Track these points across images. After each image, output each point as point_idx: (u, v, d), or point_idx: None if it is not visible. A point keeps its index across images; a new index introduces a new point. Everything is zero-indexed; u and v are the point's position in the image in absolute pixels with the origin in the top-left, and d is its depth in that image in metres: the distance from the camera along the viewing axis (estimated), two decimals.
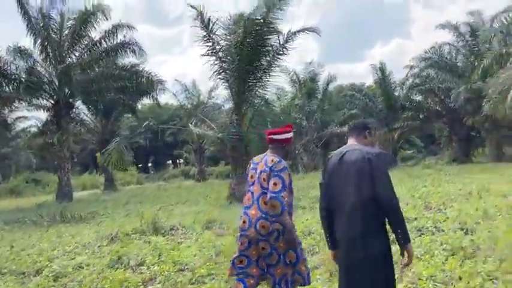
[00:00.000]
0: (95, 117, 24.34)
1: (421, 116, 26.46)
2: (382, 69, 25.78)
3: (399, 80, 26.24)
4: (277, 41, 12.71)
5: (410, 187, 11.38)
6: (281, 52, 12.90)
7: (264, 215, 3.20)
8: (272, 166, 3.23)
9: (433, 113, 25.71)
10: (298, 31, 12.90)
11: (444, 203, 8.12)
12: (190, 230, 6.90)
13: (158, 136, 35.34)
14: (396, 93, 26.22)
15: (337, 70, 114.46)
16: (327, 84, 29.76)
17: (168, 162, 52.32)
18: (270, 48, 12.74)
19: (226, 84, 12.78)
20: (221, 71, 12.53)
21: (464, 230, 5.75)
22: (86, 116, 23.77)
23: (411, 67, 25.15)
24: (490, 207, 7.08)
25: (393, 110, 25.32)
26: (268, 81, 12.81)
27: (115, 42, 18.23)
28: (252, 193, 3.33)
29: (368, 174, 2.48)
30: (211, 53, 12.42)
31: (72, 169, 30.01)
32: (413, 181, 13.46)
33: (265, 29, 11.93)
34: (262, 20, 11.79)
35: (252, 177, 3.39)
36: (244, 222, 3.29)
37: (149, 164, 52.09)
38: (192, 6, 11.68)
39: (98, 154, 24.01)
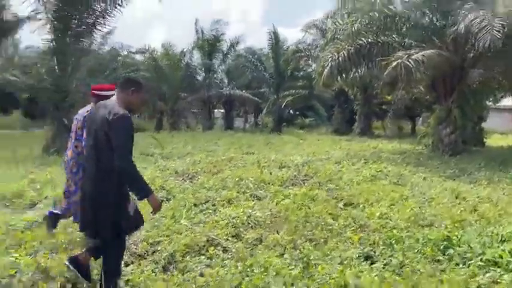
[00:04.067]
0: None
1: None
2: (275, 34, 25.52)
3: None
4: None
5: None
6: (119, 2, 11.98)
7: (74, 156, 3.79)
8: (86, 116, 3.51)
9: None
10: None
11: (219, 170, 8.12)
12: None
13: None
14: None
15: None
16: (232, 45, 29.14)
17: None
18: None
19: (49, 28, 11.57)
20: (44, 11, 11.32)
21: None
22: None
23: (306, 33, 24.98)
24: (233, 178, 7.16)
25: (282, 77, 25.41)
26: (97, 29, 11.84)
27: None
28: None
29: (107, 134, 2.65)
30: None
31: None
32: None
33: None
34: None
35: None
36: None
37: None
38: None
39: None
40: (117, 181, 2.74)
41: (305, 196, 5.77)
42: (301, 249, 3.73)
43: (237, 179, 6.94)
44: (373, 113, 23.44)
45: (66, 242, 3.72)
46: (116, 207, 2.79)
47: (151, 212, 2.92)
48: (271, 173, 7.87)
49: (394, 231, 4.24)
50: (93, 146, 2.78)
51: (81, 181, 3.47)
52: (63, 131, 11.11)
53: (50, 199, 5.20)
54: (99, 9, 11.80)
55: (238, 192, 6.22)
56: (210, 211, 5.30)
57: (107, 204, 2.76)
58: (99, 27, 12.11)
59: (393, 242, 3.89)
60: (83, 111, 3.85)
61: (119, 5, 11.96)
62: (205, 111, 28.24)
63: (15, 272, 3.06)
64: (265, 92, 28.55)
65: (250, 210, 5.06)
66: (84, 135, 3.53)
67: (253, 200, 5.82)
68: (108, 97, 3.55)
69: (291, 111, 37.09)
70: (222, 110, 33.69)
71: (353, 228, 4.43)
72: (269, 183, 6.94)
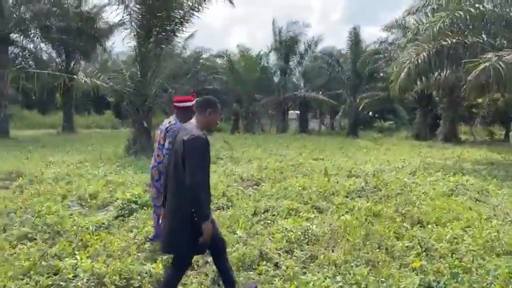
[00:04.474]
0: (60, 57, 24.08)
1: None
2: (356, 33, 24.69)
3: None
4: None
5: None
6: (196, 8, 12.50)
7: (156, 164, 4.05)
8: (168, 127, 3.94)
9: None
10: None
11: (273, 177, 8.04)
12: None
13: None
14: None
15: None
16: (309, 46, 28.76)
17: None
18: (185, 2, 12.34)
19: (133, 36, 12.37)
20: (128, 21, 12.18)
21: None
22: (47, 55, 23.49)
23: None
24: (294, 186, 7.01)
25: (360, 79, 24.51)
26: (176, 35, 12.45)
27: None
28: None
29: (183, 154, 2.79)
30: (119, 2, 12.02)
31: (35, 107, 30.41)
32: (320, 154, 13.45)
33: None
34: None
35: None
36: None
37: None
38: None
39: (58, 95, 24.28)
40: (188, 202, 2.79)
41: (369, 211, 5.45)
42: (354, 273, 3.49)
43: (299, 188, 6.80)
44: (460, 117, 21.65)
45: (121, 249, 3.90)
46: (191, 226, 2.82)
47: (200, 238, 2.86)
48: (337, 182, 7.60)
49: (464, 258, 3.81)
50: (174, 165, 2.91)
51: (162, 188, 3.70)
52: (142, 132, 11.86)
53: (119, 201, 5.51)
54: (178, 16, 12.38)
55: (300, 202, 6.08)
56: (268, 222, 5.24)
57: (183, 221, 2.83)
58: (178, 34, 12.73)
59: (460, 271, 3.49)
60: (165, 122, 4.09)
61: (195, 11, 12.49)
62: (280, 113, 28.33)
63: (74, 276, 3.28)
64: (342, 93, 27.81)
65: (308, 224, 4.90)
66: (166, 145, 3.94)
67: (313, 212, 5.64)
68: (188, 108, 3.91)
69: (370, 113, 35.71)
70: (298, 112, 33.52)
71: (417, 251, 4.06)
72: (333, 194, 6.69)
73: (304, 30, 27.07)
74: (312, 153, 13.52)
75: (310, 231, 4.66)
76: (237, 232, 4.68)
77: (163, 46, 12.52)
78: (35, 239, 4.25)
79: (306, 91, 27.23)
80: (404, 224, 4.91)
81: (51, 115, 29.86)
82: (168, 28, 12.35)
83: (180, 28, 12.58)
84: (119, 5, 12.04)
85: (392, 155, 12.99)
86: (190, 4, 12.39)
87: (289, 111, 32.53)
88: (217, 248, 3.12)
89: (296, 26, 26.61)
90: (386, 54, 21.33)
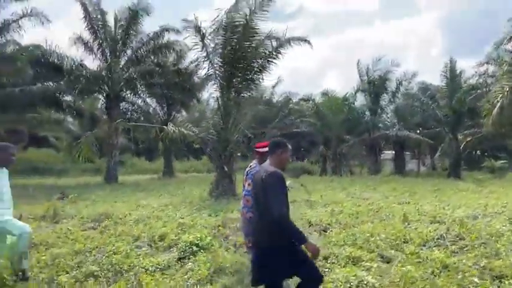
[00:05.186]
0: (162, 110, 26.59)
1: None
2: (451, 68, 23.12)
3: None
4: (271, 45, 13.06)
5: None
6: (274, 56, 13.09)
7: (243, 206, 4.46)
8: (248, 170, 4.44)
9: None
10: (292, 39, 13.22)
11: (345, 223, 7.64)
12: None
13: None
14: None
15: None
16: (400, 83, 27.55)
17: None
18: (262, 52, 13.01)
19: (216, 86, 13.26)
20: (212, 74, 13.15)
21: None
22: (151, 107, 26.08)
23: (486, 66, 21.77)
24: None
25: (458, 115, 22.59)
26: (255, 83, 13.08)
27: (161, 42, 20.38)
28: None
29: (263, 190, 3.12)
30: (205, 59, 13.09)
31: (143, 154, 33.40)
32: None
33: (247, 33, 12.19)
34: (244, 23, 12.07)
35: None
36: None
37: None
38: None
39: (160, 144, 26.69)
40: (279, 236, 3.01)
41: (439, 263, 4.87)
42: None
43: (368, 235, 6.37)
44: None
45: None
46: (281, 257, 3.04)
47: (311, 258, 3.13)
48: (415, 229, 6.97)
49: None
50: (256, 204, 3.21)
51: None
52: (224, 177, 12.38)
53: (183, 243, 5.76)
54: (256, 66, 13.05)
55: (365, 250, 5.69)
56: (326, 270, 4.99)
57: (273, 255, 3.05)
58: (257, 81, 13.38)
59: None
60: (247, 167, 4.56)
61: (273, 58, 13.08)
62: (372, 154, 27.21)
63: None
64: (441, 131, 25.84)
65: (365, 274, 4.56)
66: (246, 187, 4.36)
67: (377, 262, 5.22)
68: (263, 153, 4.21)
69: (478, 152, 32.52)
70: (393, 152, 31.84)
71: None
72: (406, 242, 6.14)
73: (392, 68, 26.10)
74: (400, 196, 12.64)
75: (364, 282, 4.33)
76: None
77: (243, 95, 13.23)
78: (100, 277, 4.63)
79: (398, 130, 25.86)
80: (475, 278, 4.28)
81: (156, 161, 32.76)
82: (248, 77, 13.04)
83: (259, 76, 13.22)
84: (203, 61, 13.18)
85: (494, 199, 11.50)
86: (267, 52, 13.02)
87: (385, 152, 31.06)
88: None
89: (383, 64, 25.84)
90: (485, 89, 19.45)
